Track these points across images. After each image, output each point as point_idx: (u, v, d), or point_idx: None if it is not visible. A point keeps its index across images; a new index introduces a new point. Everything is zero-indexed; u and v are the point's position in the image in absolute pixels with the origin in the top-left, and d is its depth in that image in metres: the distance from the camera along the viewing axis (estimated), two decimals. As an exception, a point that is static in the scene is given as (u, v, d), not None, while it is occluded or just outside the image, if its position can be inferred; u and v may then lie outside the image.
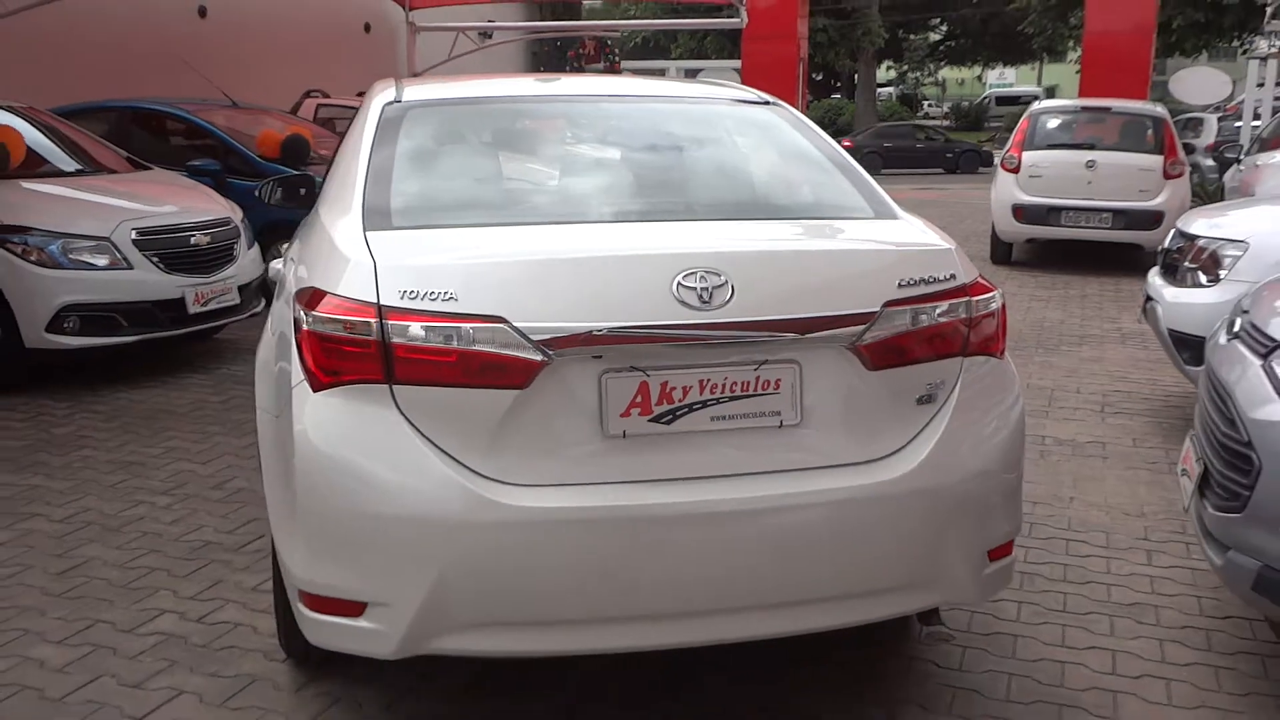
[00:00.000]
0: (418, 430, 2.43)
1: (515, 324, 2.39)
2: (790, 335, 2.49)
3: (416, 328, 2.41)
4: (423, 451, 2.42)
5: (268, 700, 3.08)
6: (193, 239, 6.57)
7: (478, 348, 2.39)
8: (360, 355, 2.44)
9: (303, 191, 5.03)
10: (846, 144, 21.13)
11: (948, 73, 55.51)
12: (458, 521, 2.40)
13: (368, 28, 16.11)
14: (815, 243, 2.84)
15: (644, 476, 2.47)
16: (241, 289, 6.89)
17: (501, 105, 3.54)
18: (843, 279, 2.61)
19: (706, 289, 2.45)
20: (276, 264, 3.47)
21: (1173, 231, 5.79)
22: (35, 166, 7.06)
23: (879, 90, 42.46)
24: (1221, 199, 13.10)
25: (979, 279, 2.77)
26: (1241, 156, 12.23)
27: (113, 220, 6.30)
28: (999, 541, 2.79)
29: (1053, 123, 11.25)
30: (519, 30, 17.70)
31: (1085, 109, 11.47)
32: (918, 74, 49.43)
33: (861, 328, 2.54)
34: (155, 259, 6.35)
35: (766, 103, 3.59)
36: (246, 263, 7.00)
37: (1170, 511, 4.55)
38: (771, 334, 2.48)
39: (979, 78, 62.21)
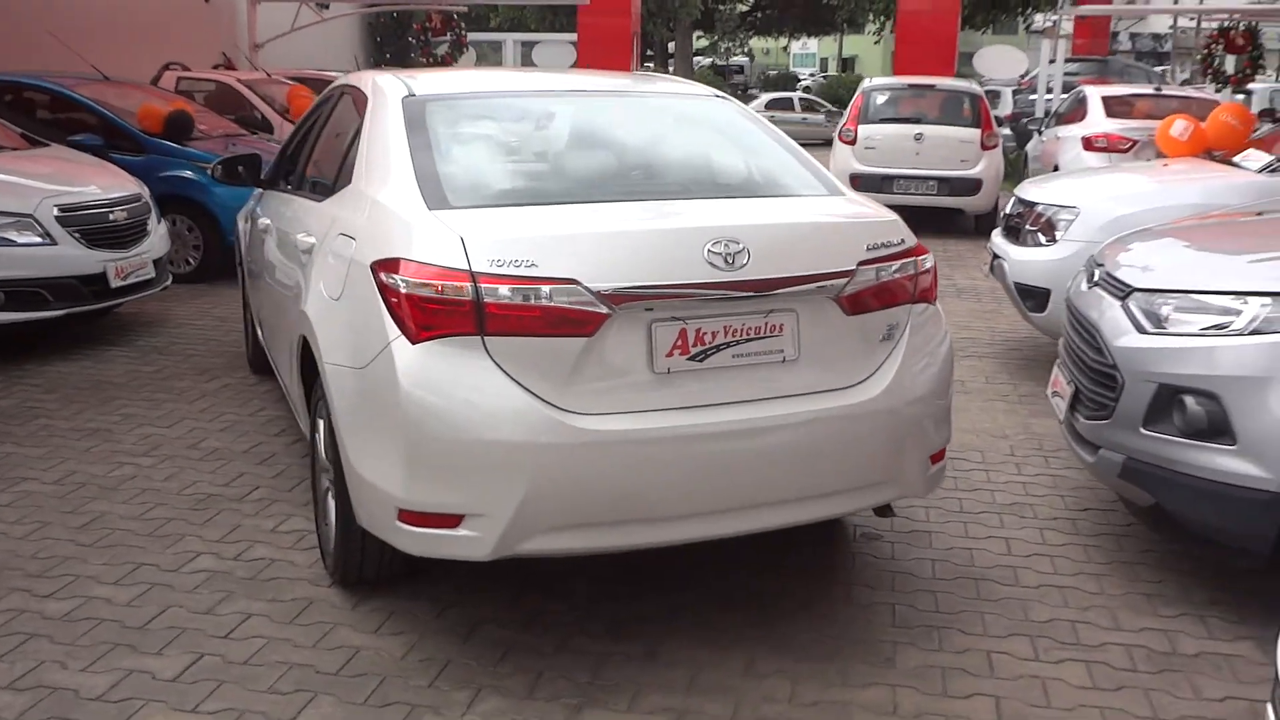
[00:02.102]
0: (505, 373, 2.99)
1: (585, 284, 2.97)
2: (792, 288, 3.16)
3: (505, 289, 2.96)
4: (511, 390, 2.98)
5: (331, 616, 3.56)
6: (111, 215, 6.74)
7: (556, 304, 2.97)
8: (456, 313, 2.97)
9: (240, 168, 5.46)
10: None
11: (756, 43, 57.23)
12: (542, 444, 2.97)
13: (207, -1, 15.89)
14: (803, 216, 3.51)
15: (684, 404, 3.11)
16: (156, 263, 7.10)
17: (511, 99, 4.07)
18: (828, 244, 3.31)
19: (730, 254, 3.09)
20: (308, 238, 3.89)
21: (1012, 199, 6.76)
22: (-74, 144, 7.05)
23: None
24: (1024, 167, 14.56)
25: (919, 244, 3.52)
26: (1042, 129, 13.64)
27: (34, 197, 6.42)
28: (937, 448, 3.56)
29: (883, 99, 12.32)
30: (358, 2, 17.71)
31: (911, 86, 12.59)
32: (729, 44, 50.86)
33: (843, 281, 3.24)
34: (77, 235, 6.51)
35: (719, 96, 4.25)
36: (157, 238, 7.20)
37: (1027, 432, 5.49)
38: (778, 288, 3.14)
39: (785, 48, 64.41)
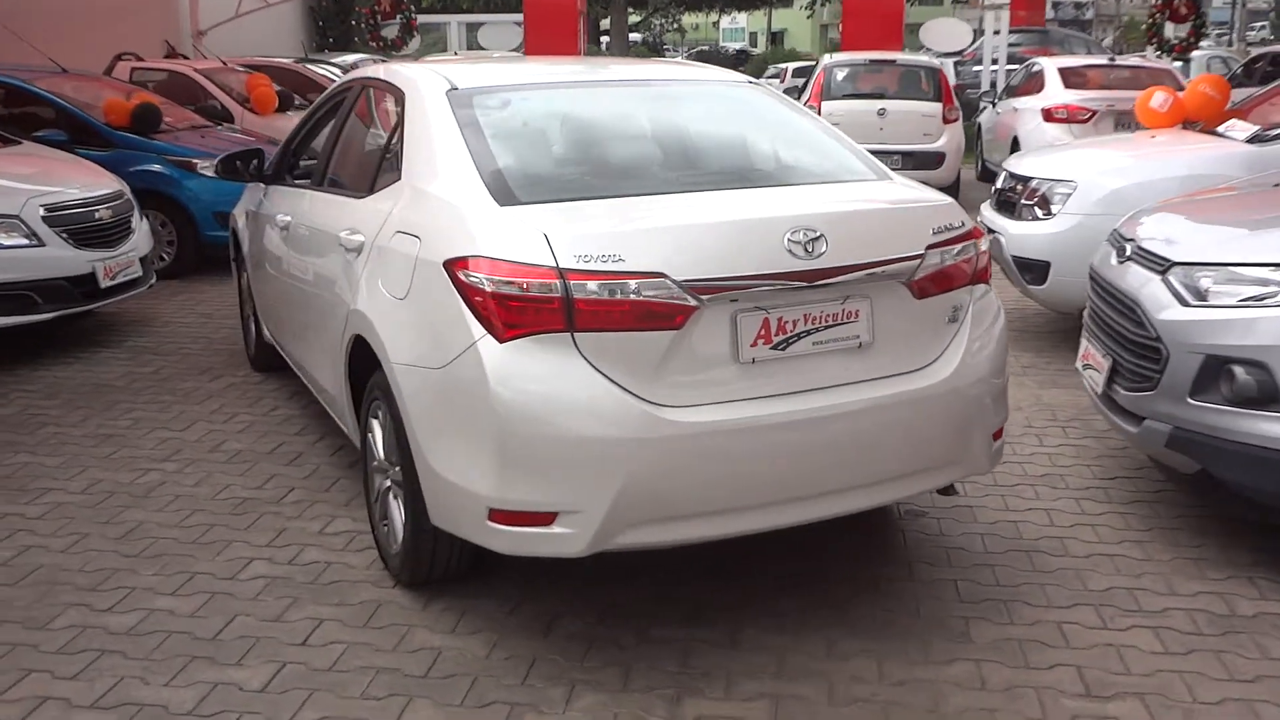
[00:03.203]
0: (596, 368, 2.98)
1: (673, 277, 2.98)
2: (868, 273, 3.19)
3: (593, 285, 2.95)
4: (604, 385, 2.98)
5: (404, 618, 3.54)
6: (97, 213, 6.57)
7: (644, 298, 2.97)
8: (545, 310, 2.96)
9: (239, 164, 5.40)
10: None
11: (686, 18, 57.21)
12: (636, 439, 2.98)
13: (147, -16, 15.46)
14: (871, 202, 3.55)
15: (768, 392, 3.13)
16: (142, 261, 6.94)
17: (553, 90, 4.03)
18: (897, 229, 3.35)
19: (808, 241, 3.11)
20: (355, 235, 3.82)
21: (1003, 174, 6.86)
22: (-109, 145, 6.80)
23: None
24: (977, 139, 14.76)
25: (976, 226, 3.57)
26: (996, 101, 13.82)
27: (19, 198, 6.24)
28: (998, 425, 3.63)
29: (844, 74, 12.40)
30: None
31: (872, 61, 12.67)
32: (662, 20, 50.78)
33: (914, 266, 3.28)
34: (64, 235, 6.34)
35: (751, 82, 4.27)
36: (141, 235, 7.04)
37: (1039, 404, 5.60)
38: (855, 274, 3.17)
39: (715, 23, 64.43)
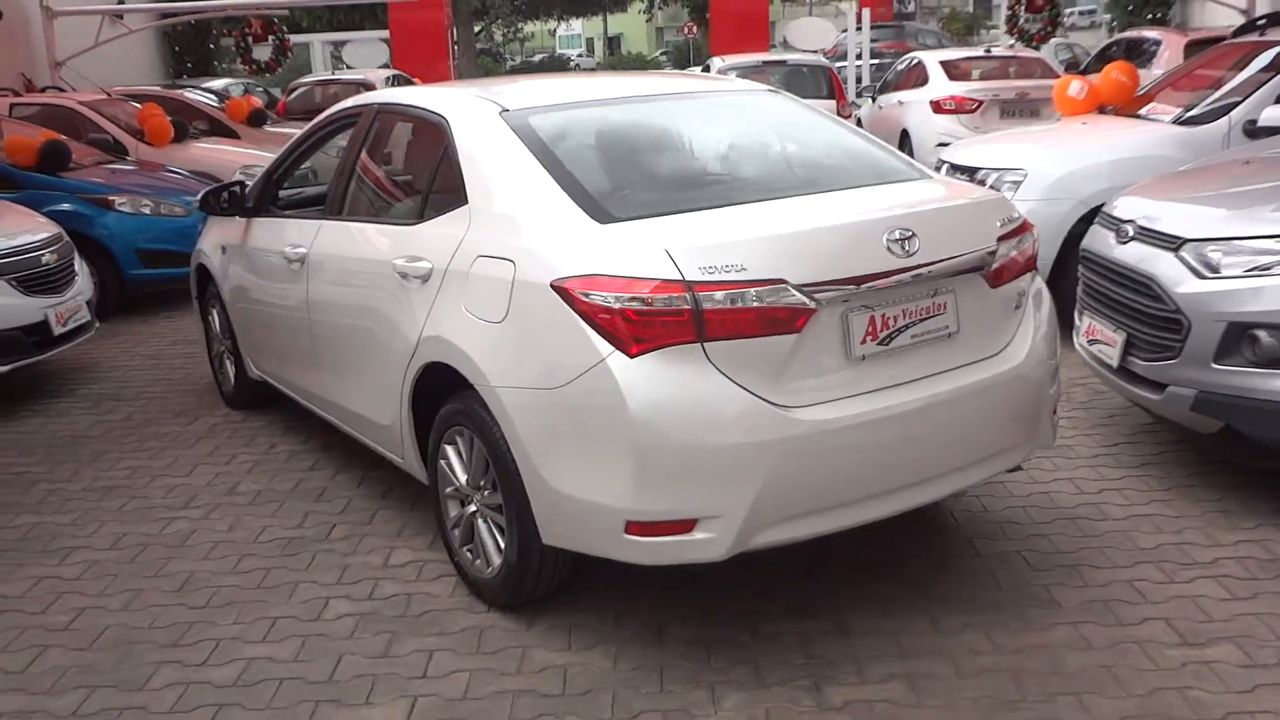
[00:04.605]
0: (727, 376, 3.07)
1: (793, 282, 3.09)
2: (955, 267, 3.37)
3: (720, 295, 3.04)
4: (736, 391, 3.07)
5: (515, 640, 3.54)
6: (43, 258, 6.27)
7: (768, 304, 3.07)
8: (674, 323, 3.03)
9: (210, 198, 5.33)
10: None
11: (526, 27, 57.23)
12: (769, 441, 3.08)
13: (-1, 14, 14.63)
14: (946, 200, 3.72)
15: (877, 386, 3.27)
16: (88, 304, 6.66)
17: (604, 107, 4.06)
18: (971, 224, 3.54)
19: (904, 241, 3.27)
20: (418, 263, 3.79)
21: (944, 166, 7.18)
22: None
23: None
24: (858, 132, 15.23)
25: (1025, 218, 3.79)
26: (875, 96, 14.35)
27: (-37, 247, 5.91)
28: (1056, 402, 3.86)
29: (738, 77, 12.67)
30: (155, 12, 16.67)
31: (764, 63, 13.02)
32: (504, 30, 50.70)
33: (990, 257, 3.48)
34: (14, 283, 6.03)
35: (773, 91, 4.42)
36: (84, 279, 6.75)
37: (1017, 382, 5.91)
38: (944, 268, 3.34)
39: (551, 31, 64.65)
